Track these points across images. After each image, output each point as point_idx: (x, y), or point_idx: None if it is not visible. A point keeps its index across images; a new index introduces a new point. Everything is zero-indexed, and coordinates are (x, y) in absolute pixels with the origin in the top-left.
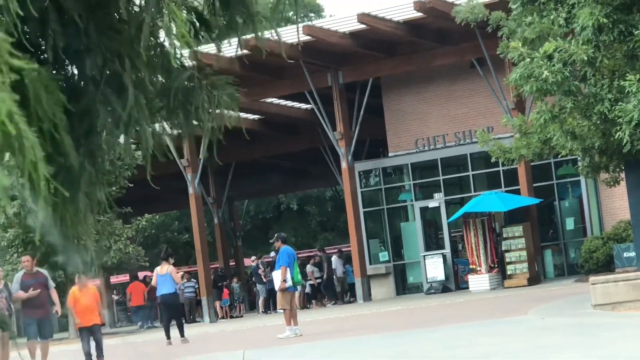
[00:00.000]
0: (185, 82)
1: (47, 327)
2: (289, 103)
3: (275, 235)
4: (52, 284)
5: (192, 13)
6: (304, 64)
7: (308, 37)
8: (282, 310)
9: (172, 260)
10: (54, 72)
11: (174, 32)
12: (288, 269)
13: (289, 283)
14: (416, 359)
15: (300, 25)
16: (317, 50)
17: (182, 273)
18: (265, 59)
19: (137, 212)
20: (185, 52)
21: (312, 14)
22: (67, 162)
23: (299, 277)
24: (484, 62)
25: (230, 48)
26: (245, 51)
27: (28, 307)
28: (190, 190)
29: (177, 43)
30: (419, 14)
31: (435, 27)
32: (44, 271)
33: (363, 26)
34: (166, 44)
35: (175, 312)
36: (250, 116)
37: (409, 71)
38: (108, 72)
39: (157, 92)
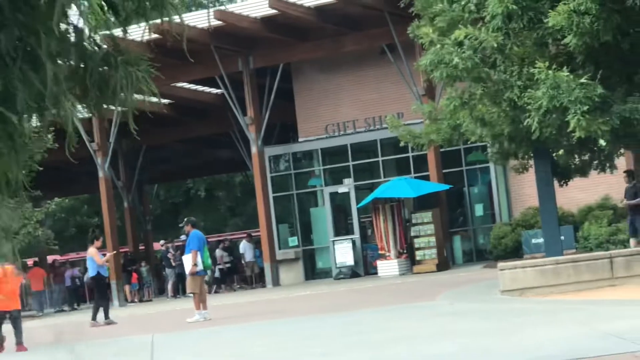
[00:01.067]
0: (102, 62)
1: None
2: (200, 87)
3: (185, 219)
4: None
5: None
6: (215, 49)
7: (219, 22)
8: (191, 295)
9: (97, 243)
10: None
11: (87, 9)
12: (199, 252)
13: (200, 267)
14: (324, 345)
15: (212, 9)
16: (228, 35)
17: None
18: (175, 43)
19: (47, 195)
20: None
21: None
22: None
23: (209, 261)
24: (395, 48)
25: (139, 31)
26: (155, 35)
27: None
28: (100, 174)
29: (90, 22)
30: (331, 0)
31: (345, 12)
32: None
33: (274, 11)
34: (80, 23)
35: (96, 294)
36: (161, 100)
37: (319, 57)
38: (24, 48)
39: (72, 70)
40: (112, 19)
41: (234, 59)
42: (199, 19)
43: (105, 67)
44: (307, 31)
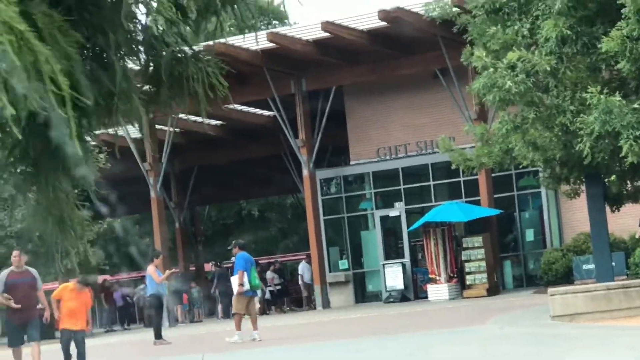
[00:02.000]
0: (172, 59)
1: (34, 329)
2: (252, 109)
3: (234, 242)
4: (40, 285)
5: None
6: (267, 71)
7: (272, 44)
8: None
9: (157, 261)
10: None
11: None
12: (245, 273)
13: (247, 287)
14: None
15: (265, 32)
16: (281, 57)
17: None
18: (228, 65)
19: (98, 215)
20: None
21: (276, 22)
22: (82, 103)
23: (256, 281)
24: (447, 72)
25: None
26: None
27: (12, 310)
28: (152, 195)
29: (158, 20)
30: (383, 23)
31: (399, 36)
32: (33, 270)
33: (327, 34)
34: (148, 22)
35: (152, 313)
36: (213, 122)
37: (372, 80)
38: (92, 47)
39: (141, 68)
40: (179, 17)
41: (286, 81)
42: (252, 41)
43: (175, 63)
44: (359, 54)
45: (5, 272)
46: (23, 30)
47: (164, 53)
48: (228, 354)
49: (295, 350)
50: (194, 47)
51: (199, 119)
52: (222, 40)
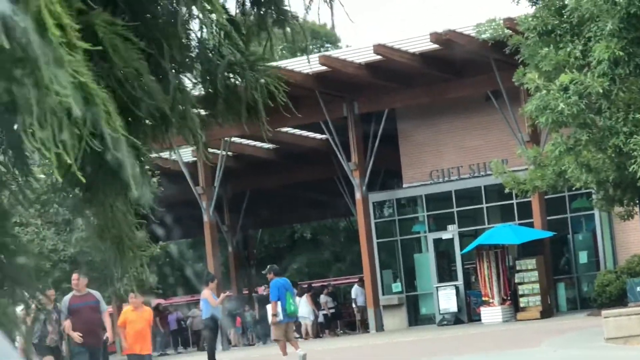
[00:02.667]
0: (227, 71)
1: (99, 357)
2: (304, 133)
3: (268, 267)
4: (104, 307)
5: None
6: (320, 94)
7: (324, 67)
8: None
9: (212, 285)
10: None
11: (209, 17)
12: (279, 302)
13: (280, 317)
14: None
15: (317, 55)
16: (333, 80)
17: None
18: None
19: (151, 239)
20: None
21: (328, 45)
22: (152, 102)
23: (292, 307)
24: (500, 94)
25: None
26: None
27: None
28: (205, 218)
29: (213, 33)
30: (435, 46)
31: (451, 59)
32: (95, 293)
33: (379, 57)
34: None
35: (208, 335)
36: (265, 145)
37: (424, 103)
38: (147, 59)
39: (198, 78)
40: (233, 34)
41: (338, 104)
42: (304, 64)
43: (231, 75)
44: (411, 77)
45: (68, 297)
46: (85, 80)
47: (219, 64)
48: None
49: None
50: (250, 57)
51: (252, 142)
52: (274, 63)
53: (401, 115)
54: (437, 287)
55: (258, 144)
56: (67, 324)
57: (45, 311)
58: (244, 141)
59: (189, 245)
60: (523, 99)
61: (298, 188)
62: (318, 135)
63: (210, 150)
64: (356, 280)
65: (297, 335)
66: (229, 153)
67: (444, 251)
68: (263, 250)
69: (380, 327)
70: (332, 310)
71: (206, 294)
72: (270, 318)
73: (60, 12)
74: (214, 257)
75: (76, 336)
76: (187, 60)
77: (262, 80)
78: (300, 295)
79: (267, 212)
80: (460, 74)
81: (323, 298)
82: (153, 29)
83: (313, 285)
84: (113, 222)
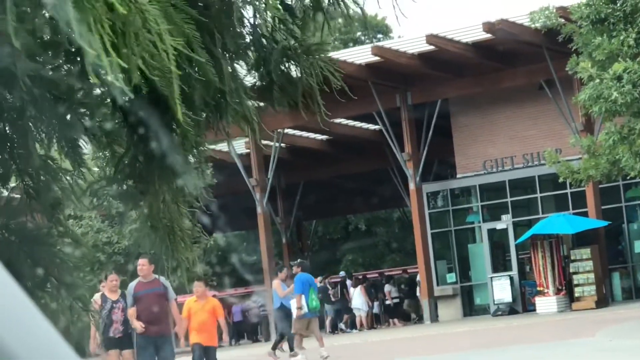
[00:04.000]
0: (280, 56)
1: (167, 349)
2: (357, 124)
3: (298, 260)
4: (172, 295)
5: None
6: (373, 85)
7: (377, 58)
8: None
9: (281, 275)
10: None
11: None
12: (303, 296)
13: (304, 310)
14: None
15: (370, 45)
16: (386, 71)
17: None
18: (333, 79)
19: (205, 231)
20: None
21: (381, 35)
22: (205, 79)
23: (314, 303)
24: (553, 83)
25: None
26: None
27: (143, 324)
28: (259, 210)
29: (268, 17)
30: (488, 36)
31: (503, 48)
32: (164, 279)
33: (432, 47)
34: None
35: (279, 326)
36: (318, 136)
37: (477, 92)
38: (200, 47)
39: (253, 65)
40: (288, 18)
41: (391, 95)
42: (357, 55)
43: (285, 59)
44: (464, 67)
45: (133, 283)
46: None
47: (273, 50)
48: None
49: None
50: (305, 43)
51: (305, 134)
52: (329, 54)
53: (454, 105)
54: (491, 278)
55: (311, 135)
56: (131, 312)
57: (91, 312)
58: (297, 132)
59: (243, 237)
60: (576, 88)
61: (351, 179)
62: (371, 126)
63: (264, 142)
64: (416, 270)
65: (348, 329)
66: (282, 144)
67: (498, 241)
68: (317, 241)
69: (434, 318)
70: (396, 300)
71: (276, 284)
72: (295, 311)
73: None
74: (268, 249)
75: (138, 325)
76: (240, 47)
77: (318, 65)
78: (355, 286)
79: (320, 203)
80: (513, 64)
81: (387, 287)
82: (206, 17)
83: (368, 276)
84: (164, 213)
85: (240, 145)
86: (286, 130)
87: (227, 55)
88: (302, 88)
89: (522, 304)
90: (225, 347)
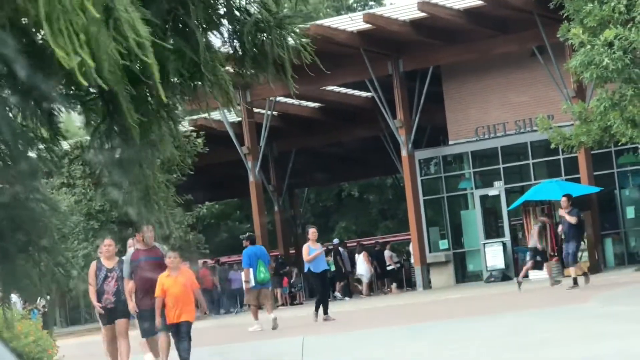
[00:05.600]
0: (255, 28)
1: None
2: (349, 91)
3: (247, 234)
4: None
5: None
6: (364, 52)
7: (368, 25)
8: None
9: (310, 235)
10: None
11: None
12: (251, 270)
13: (252, 284)
14: (475, 347)
15: (361, 13)
16: (378, 38)
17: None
18: (325, 47)
19: (197, 199)
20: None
21: (373, 2)
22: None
23: (262, 275)
24: (544, 50)
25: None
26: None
27: (141, 294)
28: (251, 178)
29: None
30: (480, 2)
31: (495, 14)
32: (163, 247)
33: (423, 14)
34: None
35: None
36: (310, 104)
37: (469, 59)
38: (173, 20)
39: (225, 38)
40: None
41: (383, 62)
42: (349, 22)
43: (257, 32)
44: (456, 34)
45: (130, 251)
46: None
47: (246, 23)
48: (328, 337)
49: (395, 331)
50: (277, 16)
51: (297, 102)
52: (319, 21)
53: (446, 72)
54: (484, 244)
55: (303, 103)
56: (129, 286)
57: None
58: (289, 100)
59: (235, 206)
60: (568, 54)
61: (344, 146)
62: (363, 93)
63: (255, 110)
64: (409, 237)
65: (340, 296)
66: (274, 113)
67: (490, 208)
68: (309, 209)
69: (427, 285)
70: (398, 265)
71: (304, 248)
72: (243, 285)
73: None
74: (260, 217)
75: (132, 306)
76: (214, 18)
77: (290, 39)
78: (359, 253)
79: (313, 171)
80: (505, 30)
81: (387, 253)
82: None
83: (363, 243)
84: (139, 178)
85: (232, 114)
86: (278, 98)
87: (200, 26)
88: (273, 60)
89: (514, 270)
90: (232, 314)
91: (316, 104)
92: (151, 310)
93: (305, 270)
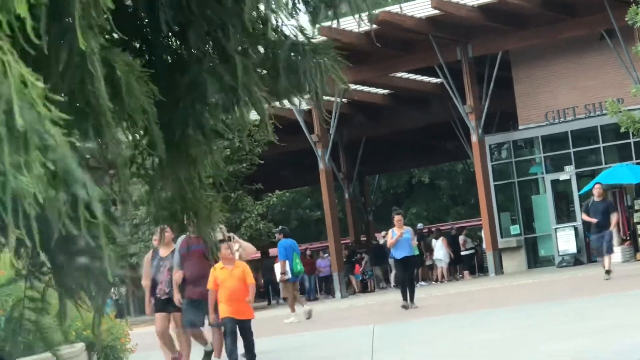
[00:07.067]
0: (290, 52)
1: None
2: (418, 77)
3: (279, 227)
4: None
5: None
6: (433, 38)
7: (437, 11)
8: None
9: (395, 220)
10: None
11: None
12: (287, 262)
13: (289, 275)
14: (545, 332)
15: None
16: (446, 23)
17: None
18: (394, 33)
19: (267, 188)
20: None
21: None
22: (156, 152)
23: (298, 267)
24: (613, 33)
25: (354, 23)
26: (374, 26)
27: (188, 286)
28: (321, 166)
29: (278, 12)
30: None
31: None
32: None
33: None
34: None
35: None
36: (380, 91)
37: (538, 44)
38: (212, 42)
39: (260, 61)
40: (303, 8)
41: (452, 47)
42: (417, 8)
43: (293, 57)
44: (525, 18)
45: (182, 237)
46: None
47: (282, 45)
48: (397, 324)
49: (466, 317)
50: (313, 40)
51: (367, 89)
52: (387, 8)
53: (515, 56)
54: (555, 229)
55: (373, 89)
56: (177, 276)
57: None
58: (359, 87)
59: (306, 193)
60: (637, 37)
61: (414, 133)
62: (433, 79)
63: (325, 97)
64: (480, 222)
65: (423, 283)
66: (344, 100)
67: (561, 192)
68: (380, 196)
69: (499, 270)
70: (472, 251)
71: (388, 234)
72: (278, 277)
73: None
74: (331, 205)
75: (177, 298)
76: (252, 42)
77: (324, 63)
78: (437, 238)
79: (383, 157)
80: (573, 14)
81: (462, 238)
82: (219, 12)
83: (440, 228)
84: (178, 195)
85: (303, 103)
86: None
87: (240, 49)
88: (308, 85)
89: (586, 255)
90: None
91: (385, 91)
92: (196, 302)
93: (390, 256)
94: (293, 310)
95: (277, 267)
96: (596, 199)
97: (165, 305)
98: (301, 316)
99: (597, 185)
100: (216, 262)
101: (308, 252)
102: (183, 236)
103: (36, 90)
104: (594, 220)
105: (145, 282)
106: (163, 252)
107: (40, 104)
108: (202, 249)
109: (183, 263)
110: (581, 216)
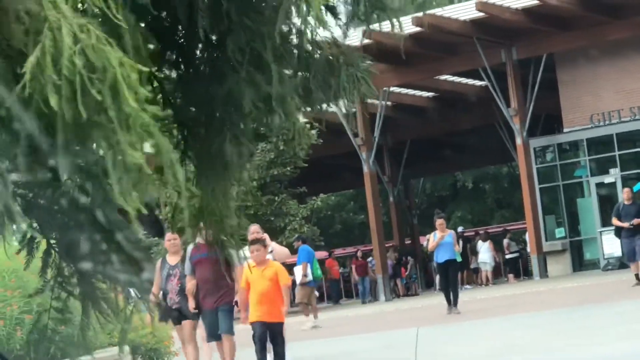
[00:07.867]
0: (323, 62)
1: (225, 317)
2: (463, 80)
3: (297, 236)
4: (236, 260)
5: None
6: (477, 41)
7: (481, 14)
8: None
9: (438, 224)
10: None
11: (309, 13)
12: (308, 264)
13: (310, 278)
14: (591, 335)
15: (474, 1)
16: (490, 26)
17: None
18: (437, 36)
19: (312, 191)
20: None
21: None
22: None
23: (318, 271)
24: None
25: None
26: (416, 29)
27: (201, 293)
28: (365, 169)
29: (312, 23)
30: None
31: (608, 1)
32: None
33: (536, 1)
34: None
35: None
36: (424, 94)
37: (582, 46)
38: (250, 52)
39: (295, 71)
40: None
41: (496, 50)
42: (461, 11)
43: (327, 70)
44: (569, 20)
45: (191, 245)
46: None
47: (316, 56)
48: (442, 327)
49: (513, 319)
50: (346, 52)
51: (411, 92)
52: (431, 11)
53: (560, 59)
54: (600, 232)
55: (417, 92)
56: (189, 286)
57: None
58: (403, 90)
59: (350, 197)
60: None
61: (458, 135)
62: (477, 82)
63: (370, 100)
64: (524, 225)
65: (467, 287)
66: (388, 103)
67: (606, 195)
68: (425, 199)
69: (544, 274)
70: (517, 254)
71: (430, 237)
72: (298, 279)
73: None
74: (375, 208)
75: (191, 306)
76: (287, 52)
77: (356, 75)
78: (484, 241)
79: (427, 161)
80: (618, 16)
81: (506, 241)
82: (257, 22)
83: (488, 231)
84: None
85: (348, 105)
86: (392, 88)
87: (275, 58)
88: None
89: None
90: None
91: (430, 94)
92: (212, 311)
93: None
94: (307, 315)
95: (297, 271)
96: (626, 202)
97: (178, 315)
98: (313, 322)
99: (626, 189)
100: (228, 267)
101: (359, 254)
102: (191, 245)
103: (135, 77)
104: (625, 225)
105: (156, 290)
106: (172, 260)
107: (140, 89)
108: (214, 257)
109: (194, 271)
110: (612, 220)
